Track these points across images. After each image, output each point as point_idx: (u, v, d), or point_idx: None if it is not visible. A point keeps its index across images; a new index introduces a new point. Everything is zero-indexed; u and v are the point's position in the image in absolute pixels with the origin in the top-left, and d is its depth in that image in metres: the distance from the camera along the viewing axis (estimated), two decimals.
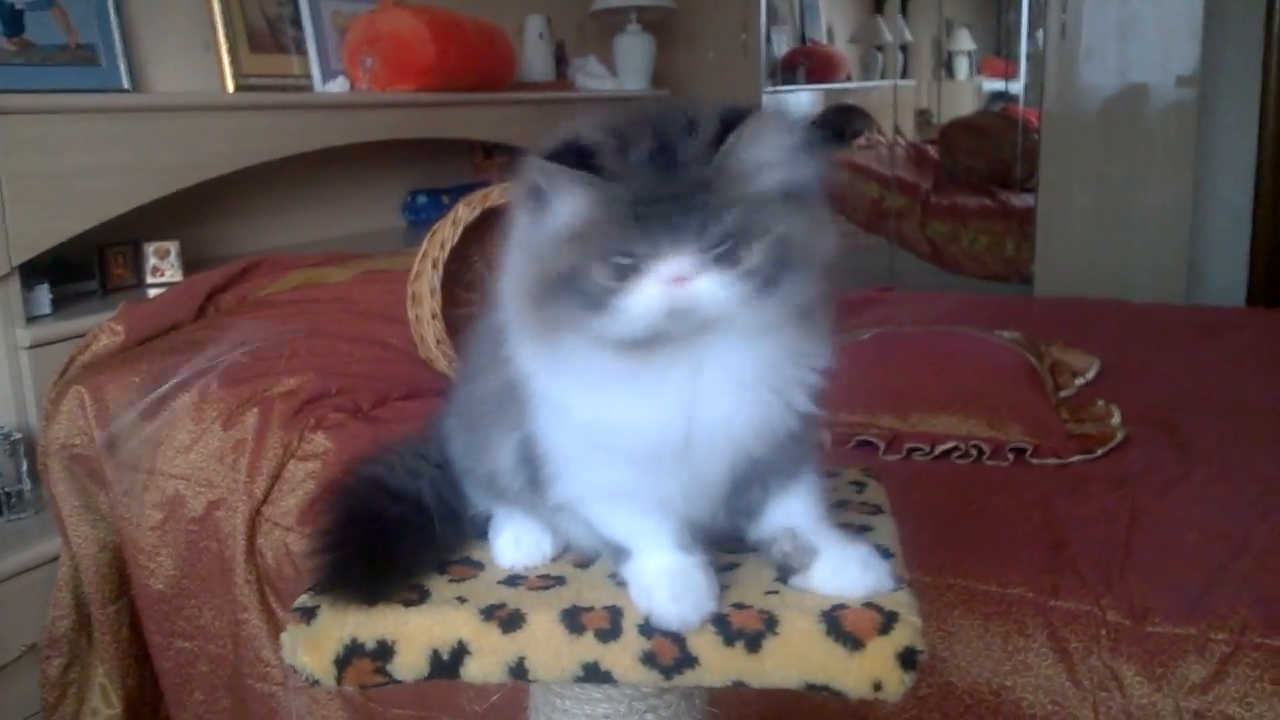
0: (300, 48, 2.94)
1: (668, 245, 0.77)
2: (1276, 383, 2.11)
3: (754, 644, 0.87)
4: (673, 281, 0.78)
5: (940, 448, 1.79)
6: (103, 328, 2.04)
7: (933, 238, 4.86)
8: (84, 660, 1.93)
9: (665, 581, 0.89)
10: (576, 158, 0.79)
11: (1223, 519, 1.49)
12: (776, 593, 0.92)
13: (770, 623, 0.87)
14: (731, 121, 0.79)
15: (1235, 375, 2.19)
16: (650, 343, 0.80)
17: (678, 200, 0.77)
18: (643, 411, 0.84)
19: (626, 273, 0.78)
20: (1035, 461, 1.76)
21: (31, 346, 2.07)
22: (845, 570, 0.92)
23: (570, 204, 0.81)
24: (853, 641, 0.86)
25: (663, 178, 0.78)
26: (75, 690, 1.92)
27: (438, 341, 2.01)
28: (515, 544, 1.02)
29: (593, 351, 0.82)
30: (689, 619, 0.88)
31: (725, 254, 0.78)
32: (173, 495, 1.83)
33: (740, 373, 0.84)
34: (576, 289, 0.80)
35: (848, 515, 1.07)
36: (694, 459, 0.87)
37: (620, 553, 0.94)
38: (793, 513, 0.94)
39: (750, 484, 0.93)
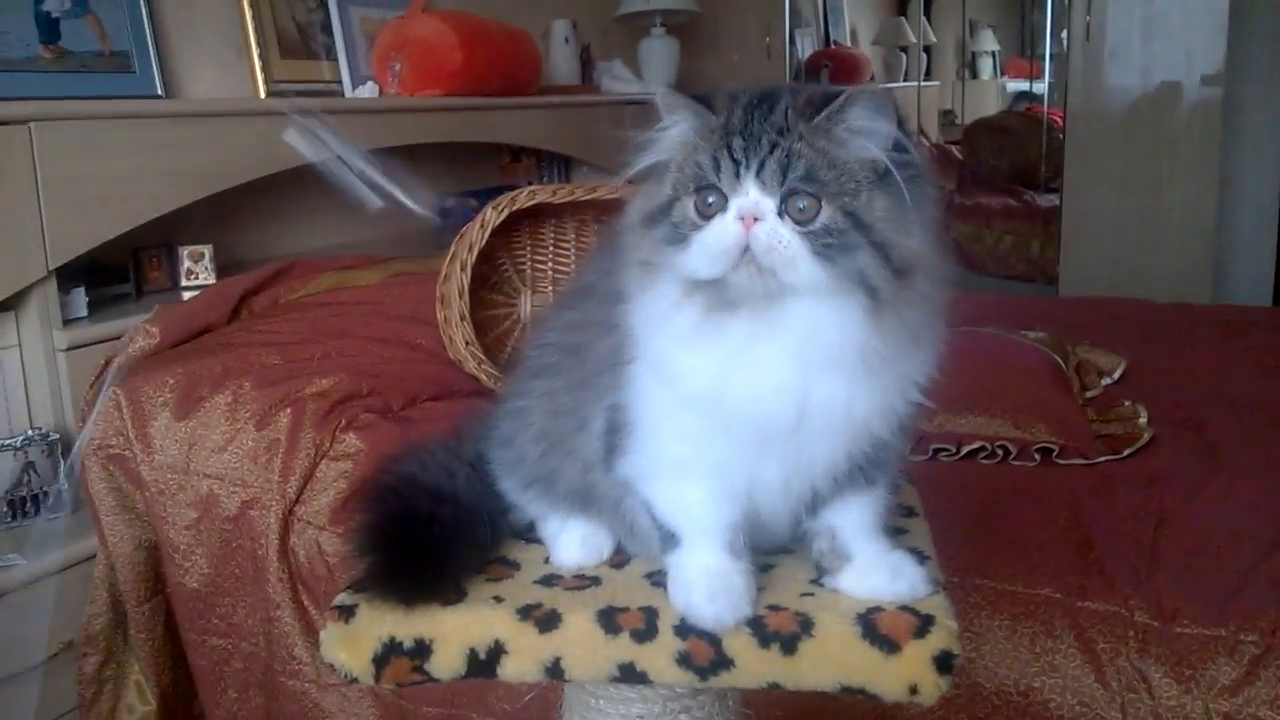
0: (330, 53, 2.97)
1: (744, 178, 0.82)
2: None
3: (790, 646, 0.88)
4: (745, 221, 0.81)
5: (966, 448, 1.80)
6: (138, 330, 2.07)
7: (957, 238, 4.86)
8: (120, 657, 1.96)
9: (704, 581, 0.91)
10: (696, 97, 0.87)
11: (1251, 520, 1.49)
12: (812, 595, 0.93)
13: (806, 625, 0.89)
14: (835, 91, 0.83)
15: (1261, 375, 2.18)
16: (726, 295, 0.83)
17: (764, 140, 0.82)
18: (755, 383, 0.85)
19: (708, 210, 0.83)
20: (1062, 462, 1.76)
21: (68, 349, 2.10)
22: (874, 576, 0.93)
23: (680, 132, 0.87)
24: (889, 645, 0.87)
25: (759, 121, 0.83)
26: (111, 687, 1.94)
27: (466, 343, 2.03)
28: (581, 542, 1.03)
29: (682, 302, 0.85)
30: (724, 620, 0.89)
31: (800, 207, 0.81)
32: (207, 495, 1.85)
33: (864, 349, 0.84)
34: (669, 222, 0.85)
35: None
36: (805, 439, 0.88)
37: (670, 539, 0.95)
38: (844, 515, 0.95)
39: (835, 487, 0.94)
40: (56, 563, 1.94)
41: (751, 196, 0.81)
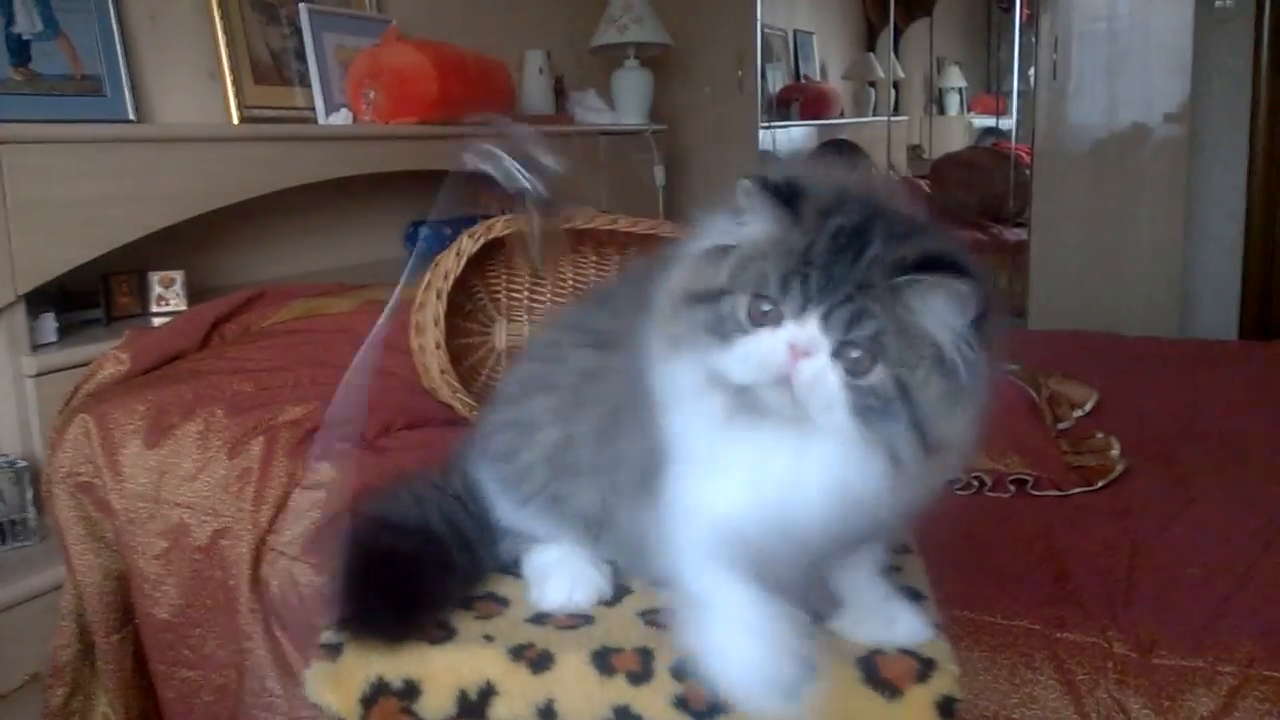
0: (304, 80, 2.96)
1: (809, 311, 0.78)
2: (1273, 415, 2.12)
3: (790, 691, 0.87)
4: (793, 351, 0.78)
5: None
6: (108, 356, 2.04)
7: None
8: (87, 689, 1.92)
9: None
10: (784, 193, 0.81)
11: (1225, 551, 1.50)
12: (812, 638, 0.92)
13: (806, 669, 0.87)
14: (930, 262, 0.78)
15: (1232, 408, 2.20)
16: (750, 400, 0.80)
17: (840, 282, 0.78)
18: (794, 502, 0.83)
19: (760, 320, 0.79)
20: (1036, 493, 1.77)
21: (37, 375, 2.07)
22: (870, 622, 0.92)
23: (755, 226, 0.82)
24: (890, 689, 0.86)
25: (842, 256, 0.78)
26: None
27: (441, 371, 2.02)
28: (572, 584, 0.99)
29: (704, 391, 0.82)
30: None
31: (854, 357, 0.78)
32: (177, 524, 1.82)
33: (844, 466, 0.82)
34: (715, 312, 0.81)
35: None
36: (793, 535, 0.86)
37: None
38: (837, 567, 0.94)
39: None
40: (23, 593, 1.90)
41: (809, 332, 0.78)
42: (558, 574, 0.99)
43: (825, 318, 0.78)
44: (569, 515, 1.01)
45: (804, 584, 0.95)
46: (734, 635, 0.84)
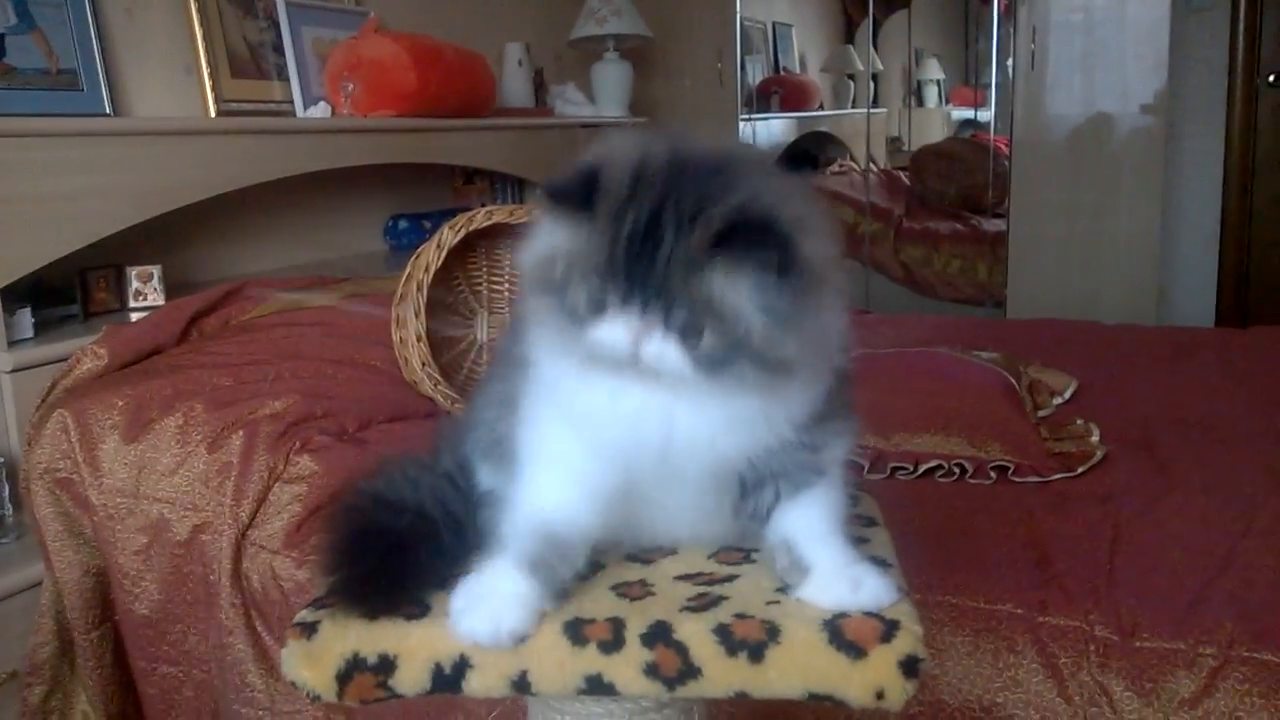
0: (281, 73, 2.95)
1: (633, 305, 0.82)
2: (1250, 401, 2.14)
3: (756, 654, 0.88)
4: (631, 335, 0.83)
5: (924, 466, 1.81)
6: (85, 351, 2.03)
7: (906, 261, 4.92)
8: (66, 687, 1.91)
9: (472, 593, 0.92)
10: (581, 192, 0.84)
11: (1205, 535, 1.52)
12: (778, 603, 0.93)
13: (772, 632, 0.88)
14: (728, 234, 0.81)
15: (1209, 394, 2.22)
16: (620, 370, 0.85)
17: (644, 282, 0.82)
18: (626, 406, 0.88)
19: (599, 308, 0.83)
20: (1017, 480, 1.78)
21: (13, 370, 2.05)
22: (836, 587, 0.93)
23: (563, 234, 0.86)
24: (855, 650, 0.87)
25: (641, 257, 0.82)
26: (57, 718, 1.90)
27: (422, 364, 2.01)
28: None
29: (572, 348, 0.87)
30: (478, 634, 0.90)
31: (681, 330, 0.82)
32: (157, 519, 1.82)
33: (713, 406, 0.88)
34: (561, 299, 0.85)
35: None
36: (673, 464, 0.90)
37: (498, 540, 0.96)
38: (796, 523, 0.95)
39: (759, 487, 0.96)
40: (1, 590, 1.89)
41: (634, 323, 0.82)
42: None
43: (644, 313, 0.82)
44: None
45: (721, 514, 1.00)
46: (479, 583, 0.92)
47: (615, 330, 0.83)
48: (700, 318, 0.82)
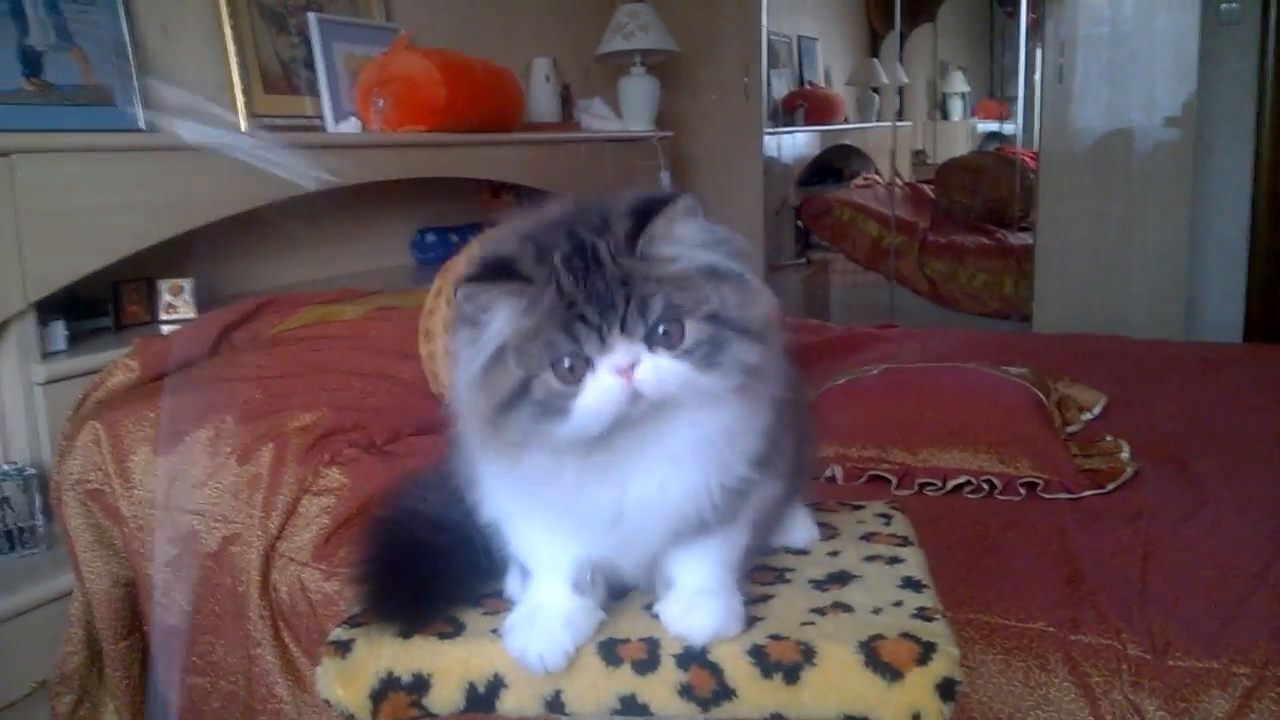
0: (313, 89, 2.97)
1: (608, 337, 0.80)
2: None
3: (792, 675, 0.88)
4: (621, 371, 0.80)
5: (952, 482, 1.80)
6: (118, 364, 2.05)
7: (931, 275, 4.90)
8: (94, 697, 1.92)
9: (527, 619, 0.92)
10: (501, 273, 0.82)
11: (1237, 553, 1.50)
12: (813, 624, 0.93)
13: (808, 654, 0.88)
14: (643, 213, 0.82)
15: (1239, 410, 2.20)
16: (610, 433, 0.83)
17: (609, 294, 0.81)
18: (580, 494, 0.87)
19: (576, 372, 0.81)
20: (1047, 496, 1.77)
21: (47, 382, 2.07)
22: (672, 607, 0.93)
23: (506, 317, 0.83)
24: (891, 672, 0.87)
25: (589, 275, 0.81)
26: None
27: None
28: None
29: (559, 464, 0.85)
30: (529, 661, 0.90)
31: (663, 336, 0.81)
32: (187, 530, 1.83)
33: (678, 450, 0.86)
34: (532, 400, 0.82)
35: (876, 546, 1.08)
36: (626, 528, 0.88)
37: (525, 572, 0.97)
38: (682, 559, 0.95)
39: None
40: (30, 600, 1.90)
41: (620, 351, 0.81)
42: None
43: (623, 329, 0.80)
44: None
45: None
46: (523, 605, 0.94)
47: (602, 381, 0.81)
48: (674, 309, 0.81)
